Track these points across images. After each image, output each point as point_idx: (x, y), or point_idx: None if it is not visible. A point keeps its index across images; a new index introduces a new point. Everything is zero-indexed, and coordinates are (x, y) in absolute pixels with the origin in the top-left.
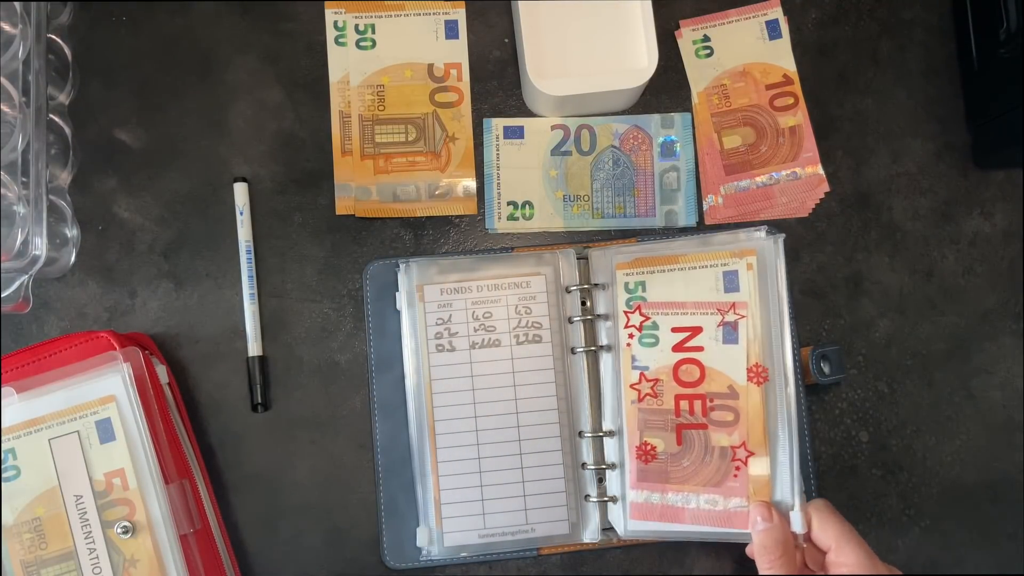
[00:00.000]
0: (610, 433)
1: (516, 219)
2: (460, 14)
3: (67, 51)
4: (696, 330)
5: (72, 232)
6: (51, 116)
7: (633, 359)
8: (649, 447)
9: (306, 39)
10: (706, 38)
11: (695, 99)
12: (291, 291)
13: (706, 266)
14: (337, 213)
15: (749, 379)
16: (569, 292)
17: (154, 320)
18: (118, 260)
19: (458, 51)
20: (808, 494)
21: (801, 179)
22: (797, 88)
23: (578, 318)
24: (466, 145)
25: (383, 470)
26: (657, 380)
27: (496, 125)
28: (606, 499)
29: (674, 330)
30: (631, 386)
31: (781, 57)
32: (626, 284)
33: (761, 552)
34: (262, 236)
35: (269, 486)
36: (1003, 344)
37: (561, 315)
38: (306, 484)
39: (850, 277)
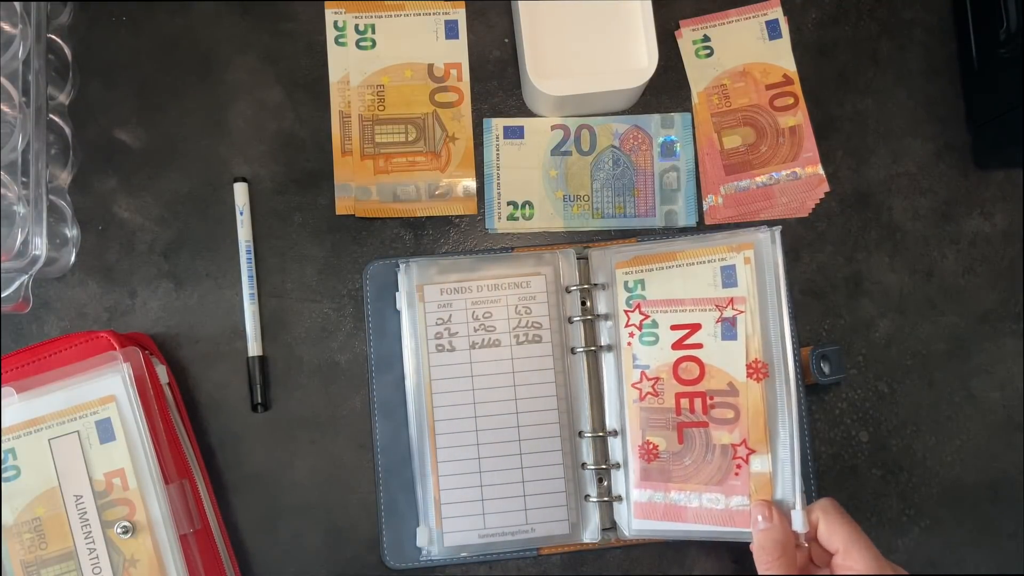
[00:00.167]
0: (613, 433)
1: (516, 219)
2: (460, 14)
3: (67, 51)
4: (695, 327)
5: (72, 232)
6: (51, 116)
7: (634, 358)
8: (651, 446)
9: (306, 39)
10: (706, 38)
11: (695, 99)
12: (291, 291)
13: (704, 262)
14: (337, 213)
15: (749, 375)
16: (569, 292)
17: (154, 320)
18: (118, 260)
19: (458, 51)
20: (808, 494)
21: (801, 179)
22: (797, 88)
23: (578, 318)
24: (466, 145)
25: (383, 470)
26: (658, 379)
27: (496, 125)
28: (608, 499)
29: (673, 328)
30: (632, 385)
31: (781, 57)
32: (625, 283)
33: (759, 552)
34: (262, 236)
35: (269, 486)
36: (1003, 344)
37: (561, 315)
38: (306, 484)
39: (850, 277)
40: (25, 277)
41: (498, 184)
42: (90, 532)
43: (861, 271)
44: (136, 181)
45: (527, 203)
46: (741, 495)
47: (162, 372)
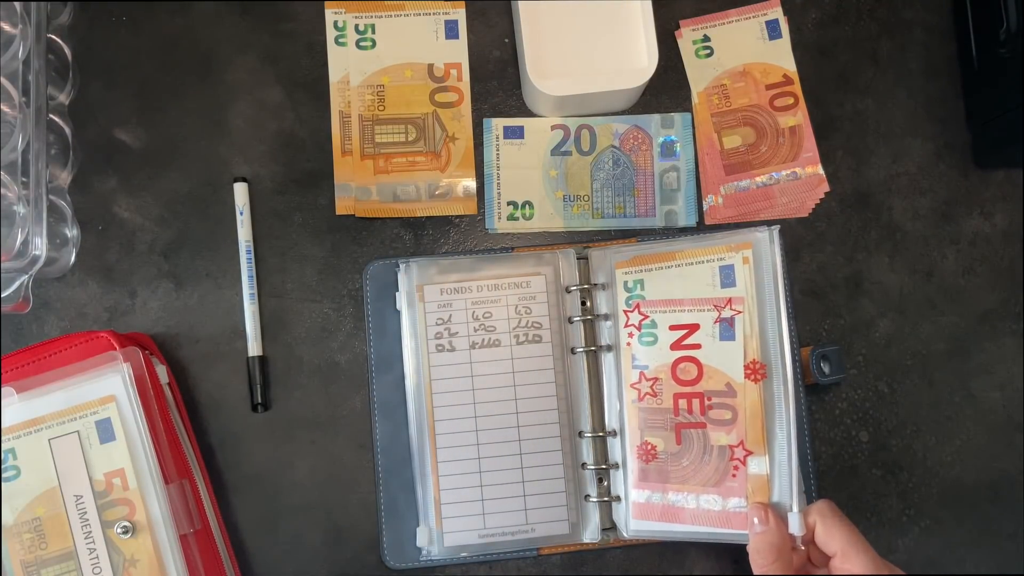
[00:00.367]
0: (612, 433)
1: (516, 219)
2: (460, 14)
3: (67, 51)
4: (693, 327)
5: (72, 232)
6: (51, 116)
7: (633, 358)
8: (650, 447)
9: (306, 39)
10: (706, 38)
11: (695, 99)
12: (291, 291)
13: (703, 262)
14: (337, 213)
15: (747, 376)
16: (569, 292)
17: (154, 320)
18: (118, 260)
19: (458, 51)
20: (808, 494)
21: (801, 179)
22: (797, 88)
23: (578, 318)
24: (466, 145)
25: (383, 470)
26: (656, 379)
27: (496, 125)
28: (608, 499)
29: (672, 328)
30: (631, 385)
31: (781, 57)
32: (625, 283)
33: (754, 555)
34: (262, 236)
35: (269, 486)
36: (1003, 344)
37: (561, 315)
38: (306, 484)
39: (850, 277)
40: (25, 277)
41: (498, 184)
42: (90, 532)
43: (861, 271)
44: (136, 181)
45: (527, 203)
46: (738, 497)
47: (162, 372)
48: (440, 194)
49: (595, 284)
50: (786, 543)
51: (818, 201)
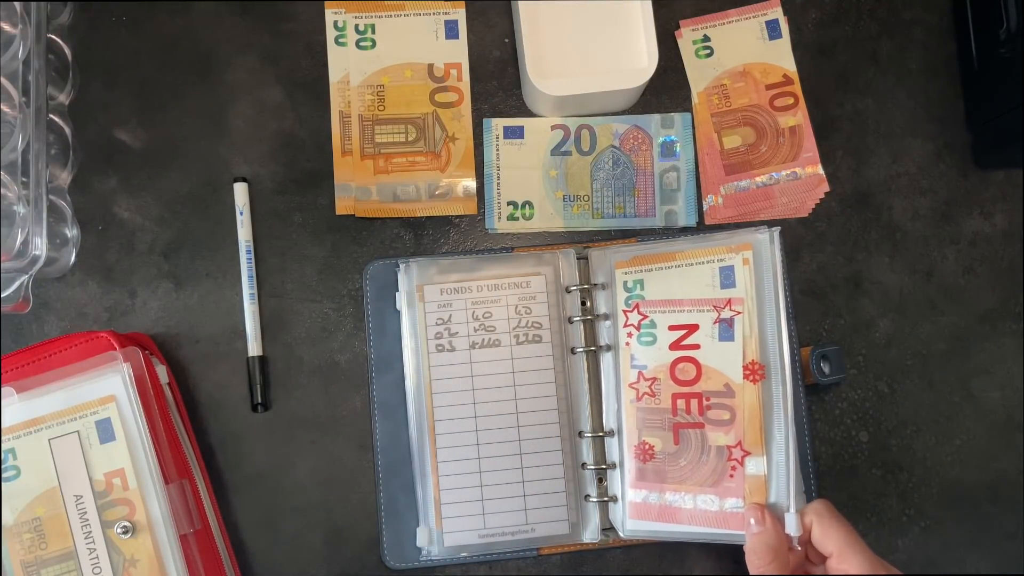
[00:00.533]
0: (610, 433)
1: (516, 219)
2: (460, 14)
3: (67, 51)
4: (692, 328)
5: (72, 232)
6: (51, 116)
7: (632, 358)
8: (647, 446)
9: (306, 39)
10: (706, 38)
11: (695, 99)
12: (291, 291)
13: (703, 262)
14: (337, 213)
15: (745, 377)
16: (569, 292)
17: (154, 320)
18: (118, 260)
19: (458, 51)
20: (808, 494)
21: (801, 179)
22: (797, 88)
23: (578, 318)
24: (466, 145)
25: (383, 470)
26: (655, 379)
27: (496, 125)
28: (606, 499)
29: (671, 328)
30: (630, 385)
31: (781, 57)
32: (625, 283)
33: (751, 555)
34: (262, 236)
35: (269, 486)
36: (1003, 344)
37: (561, 315)
38: (306, 484)
39: (850, 277)
40: (25, 277)
41: (498, 184)
42: (90, 532)
43: (861, 271)
44: (136, 181)
45: (527, 203)
46: (736, 497)
47: (162, 372)
48: (440, 194)
49: (595, 284)
50: (782, 543)
51: (818, 201)
